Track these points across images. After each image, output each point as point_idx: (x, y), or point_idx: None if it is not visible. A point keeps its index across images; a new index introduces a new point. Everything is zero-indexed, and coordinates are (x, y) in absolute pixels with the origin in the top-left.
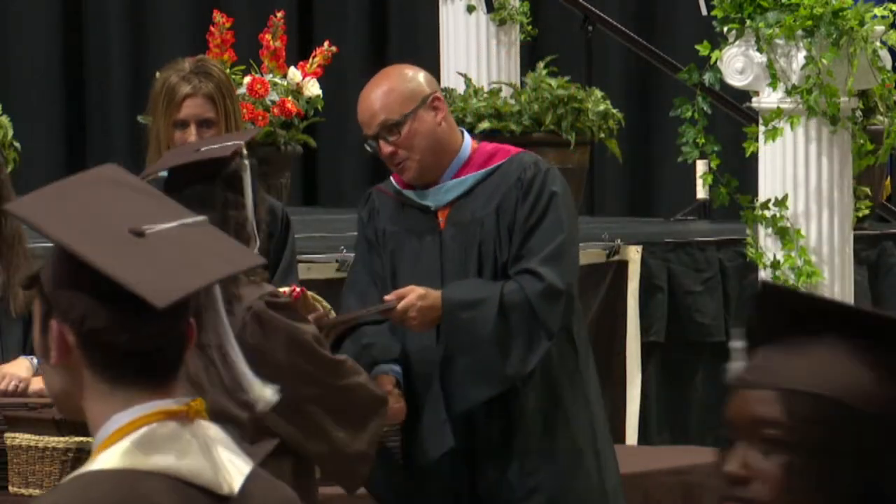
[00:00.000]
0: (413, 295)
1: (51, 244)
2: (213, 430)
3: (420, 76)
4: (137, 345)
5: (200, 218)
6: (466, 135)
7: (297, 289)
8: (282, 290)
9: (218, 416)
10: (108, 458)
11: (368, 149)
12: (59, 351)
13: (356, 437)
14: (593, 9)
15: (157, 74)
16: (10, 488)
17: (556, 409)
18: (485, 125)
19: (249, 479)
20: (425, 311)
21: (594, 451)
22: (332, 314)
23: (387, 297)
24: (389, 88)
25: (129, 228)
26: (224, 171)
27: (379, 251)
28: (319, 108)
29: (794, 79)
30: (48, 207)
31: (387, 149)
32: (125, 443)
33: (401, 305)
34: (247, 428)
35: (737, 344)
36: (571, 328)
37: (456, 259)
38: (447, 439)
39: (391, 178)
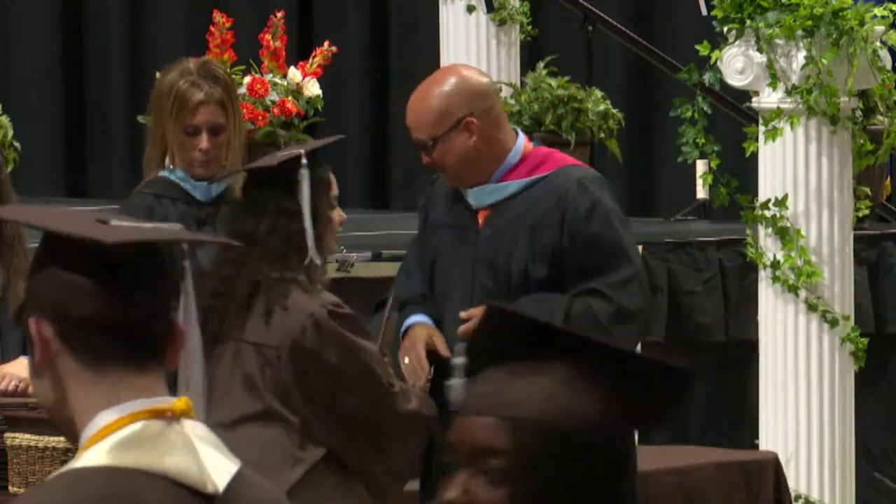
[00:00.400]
0: (477, 318)
1: None
2: (200, 429)
3: (459, 94)
4: (113, 316)
5: (177, 225)
6: (521, 137)
7: None
8: None
9: (270, 418)
10: (93, 456)
11: None
12: (40, 349)
13: (393, 460)
14: (593, 9)
15: (158, 75)
16: (10, 488)
17: None
18: None
19: (236, 479)
20: None
21: None
22: None
23: (462, 314)
24: (426, 105)
25: (97, 218)
26: (278, 178)
27: (427, 237)
28: (319, 108)
29: (794, 79)
30: (28, 209)
31: (424, 158)
32: (111, 441)
33: (464, 328)
34: (296, 431)
35: (458, 360)
36: None
37: (487, 261)
38: None
39: None
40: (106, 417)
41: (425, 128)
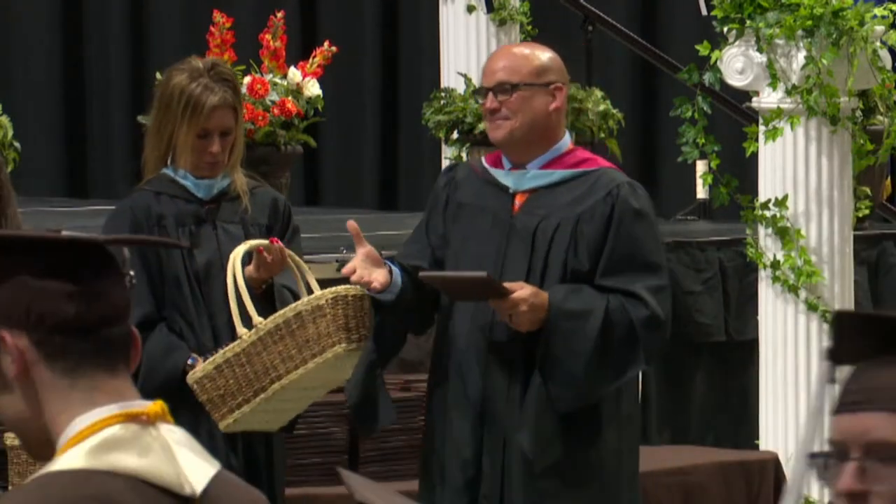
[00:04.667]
0: (527, 290)
1: None
2: (177, 433)
3: (559, 65)
4: (88, 317)
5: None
6: (568, 136)
7: (274, 240)
8: (261, 241)
9: None
10: (69, 459)
11: (476, 97)
12: (16, 362)
13: None
14: (593, 9)
15: (159, 75)
16: (10, 489)
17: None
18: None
19: (215, 482)
20: (535, 309)
21: (622, 478)
22: (308, 271)
23: (506, 285)
24: (528, 55)
25: (46, 229)
26: None
27: (442, 217)
28: (319, 108)
29: (794, 79)
30: None
31: (492, 103)
32: (87, 444)
33: (515, 296)
34: None
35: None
36: None
37: (524, 246)
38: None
39: (483, 157)
40: (83, 422)
41: (518, 72)
